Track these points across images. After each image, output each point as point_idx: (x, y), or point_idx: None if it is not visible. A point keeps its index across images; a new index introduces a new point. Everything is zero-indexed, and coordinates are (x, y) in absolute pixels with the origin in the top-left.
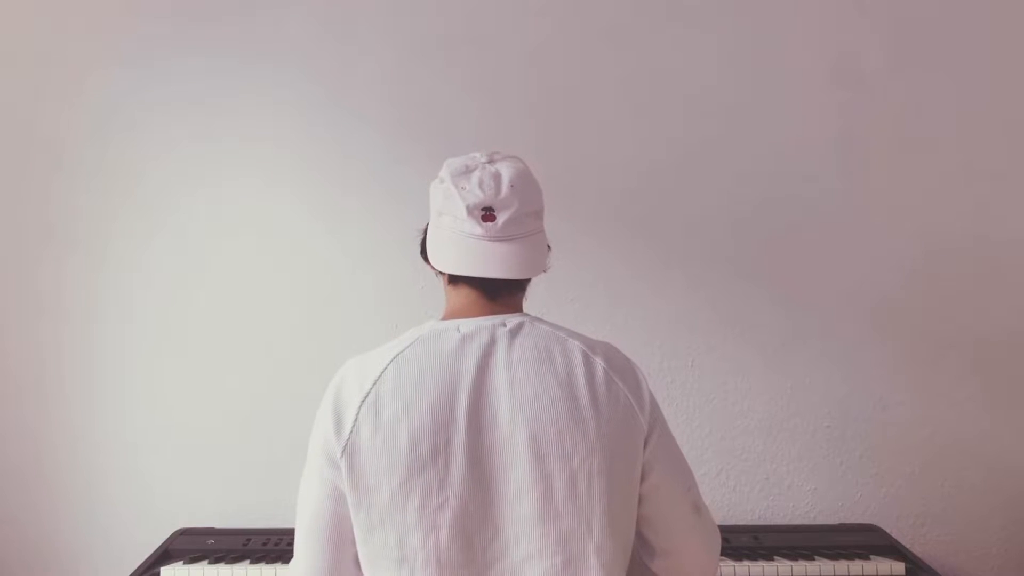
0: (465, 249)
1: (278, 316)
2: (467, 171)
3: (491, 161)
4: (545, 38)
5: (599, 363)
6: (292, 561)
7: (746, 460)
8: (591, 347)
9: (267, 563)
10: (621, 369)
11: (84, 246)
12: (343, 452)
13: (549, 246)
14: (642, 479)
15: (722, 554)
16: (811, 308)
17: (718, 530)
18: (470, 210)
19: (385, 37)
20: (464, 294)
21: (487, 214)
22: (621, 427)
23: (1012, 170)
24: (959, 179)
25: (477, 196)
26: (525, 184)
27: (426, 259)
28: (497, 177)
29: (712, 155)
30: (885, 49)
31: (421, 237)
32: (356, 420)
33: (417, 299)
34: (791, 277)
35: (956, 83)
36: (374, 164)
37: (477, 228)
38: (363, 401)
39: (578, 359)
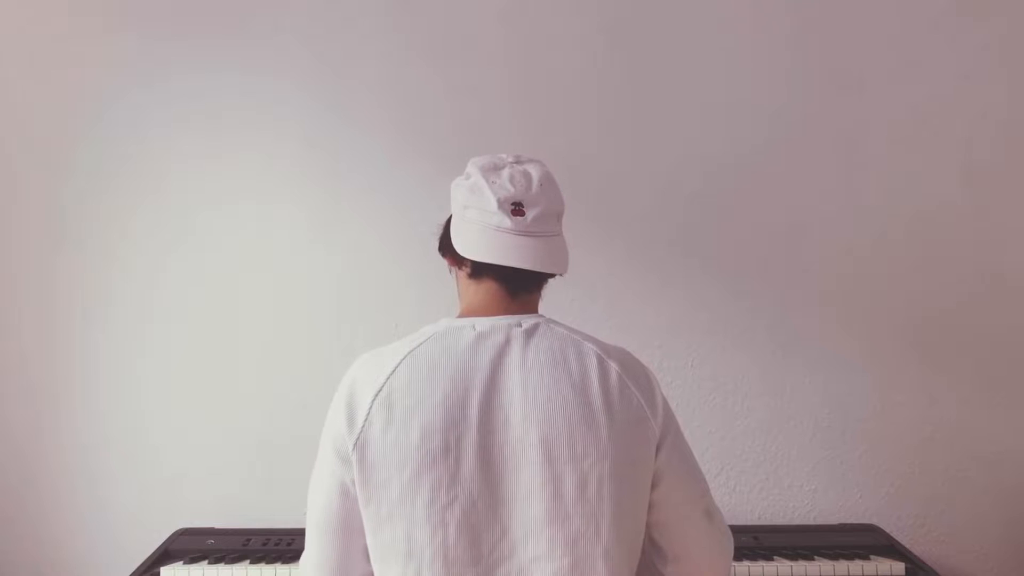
0: (493, 241)
1: (279, 318)
2: (496, 168)
3: (518, 162)
4: (544, 41)
5: (613, 367)
6: (304, 554)
7: (746, 460)
8: (606, 351)
9: (267, 563)
10: (635, 374)
11: (91, 251)
12: (355, 446)
13: (566, 251)
14: (654, 485)
15: None
16: (811, 308)
17: (731, 535)
18: (501, 203)
19: (381, 47)
20: (485, 289)
21: (517, 209)
22: (633, 432)
23: (1013, 170)
24: (958, 180)
25: (508, 190)
26: (551, 185)
27: (443, 254)
28: (527, 175)
29: (712, 156)
30: (878, 53)
31: (439, 233)
32: (368, 415)
33: (418, 300)
34: (791, 277)
35: (956, 84)
36: (372, 169)
37: (507, 221)
38: (376, 395)
39: (593, 363)
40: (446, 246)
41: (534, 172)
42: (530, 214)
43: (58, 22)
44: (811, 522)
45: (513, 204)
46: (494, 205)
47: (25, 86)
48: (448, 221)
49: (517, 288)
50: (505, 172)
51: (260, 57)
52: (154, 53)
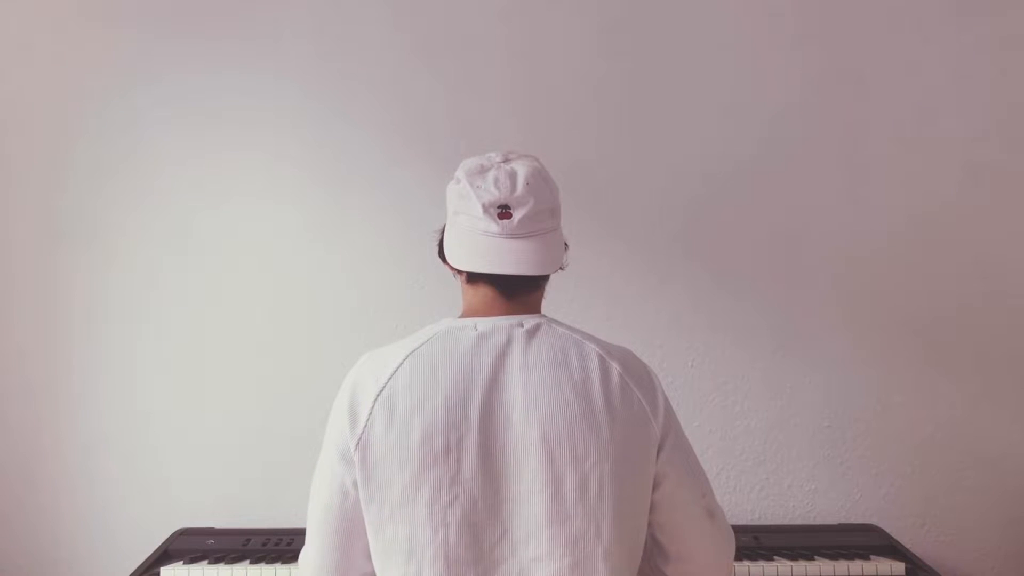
0: (481, 247)
1: (279, 318)
2: (482, 170)
3: (506, 160)
4: (545, 41)
5: (615, 367)
6: (303, 550)
7: (746, 460)
8: (608, 351)
9: (267, 563)
10: (637, 374)
11: (91, 250)
12: (357, 446)
13: (566, 244)
14: (656, 486)
15: None
16: (811, 308)
17: (732, 534)
18: (486, 208)
19: (382, 47)
20: (482, 293)
21: (503, 212)
22: (634, 432)
23: (1014, 170)
24: (959, 180)
25: (493, 194)
26: (540, 182)
27: (443, 259)
28: (513, 175)
29: (713, 156)
30: (878, 53)
31: (438, 238)
32: (370, 415)
33: (418, 300)
34: (792, 277)
35: (957, 83)
36: (373, 170)
37: (493, 226)
38: (378, 395)
39: (594, 363)
40: (444, 254)
41: (521, 170)
42: (517, 215)
43: (58, 21)
44: (811, 522)
45: (499, 207)
46: (479, 210)
47: (25, 85)
48: (445, 226)
49: (512, 291)
50: (490, 175)
51: (261, 57)
52: (154, 52)
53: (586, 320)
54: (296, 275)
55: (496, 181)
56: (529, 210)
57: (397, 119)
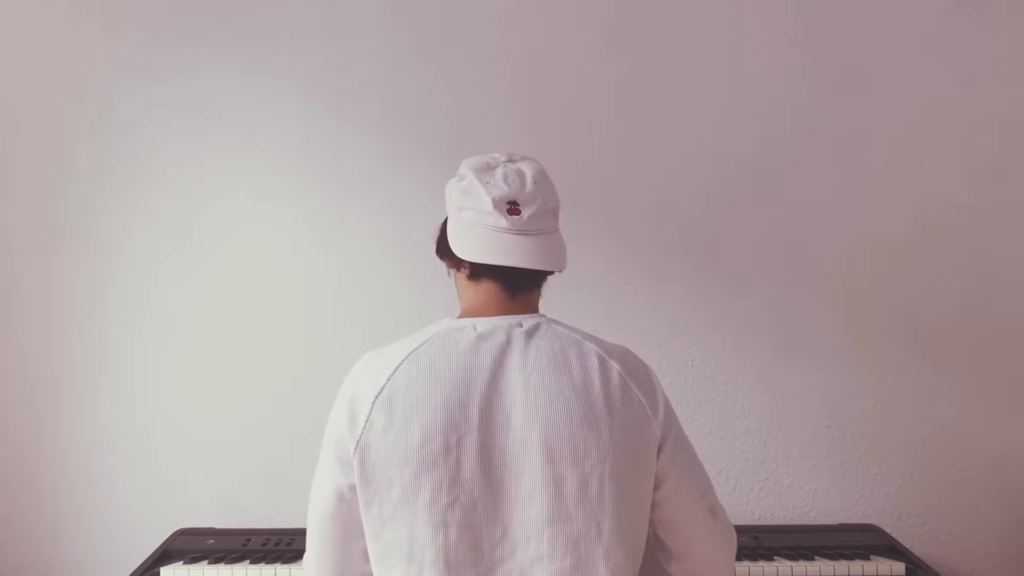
0: (491, 241)
1: (279, 318)
2: (489, 168)
3: (511, 160)
4: (546, 41)
5: (615, 367)
6: (306, 550)
7: (746, 460)
8: (607, 351)
9: (267, 563)
10: (637, 374)
11: (91, 251)
12: (356, 448)
13: (564, 247)
14: (657, 485)
15: None
16: (811, 308)
17: (734, 531)
18: (496, 203)
19: (382, 46)
20: (485, 289)
21: (512, 208)
22: (635, 432)
23: (1014, 169)
24: (959, 180)
25: (503, 190)
26: (545, 183)
27: (441, 256)
28: (521, 174)
29: (713, 156)
30: (878, 53)
31: (437, 235)
32: (369, 416)
33: (418, 300)
34: (792, 277)
35: (957, 83)
36: (373, 169)
37: (503, 221)
38: (377, 397)
39: (594, 362)
40: (444, 249)
41: (527, 170)
42: (526, 212)
43: (58, 22)
44: (811, 522)
45: (508, 203)
46: (489, 205)
47: (24, 85)
48: (444, 224)
49: (516, 288)
50: (499, 171)
51: (260, 57)
52: (154, 52)
53: (586, 320)
54: (296, 275)
55: (505, 177)
56: (537, 208)
57: (397, 118)
